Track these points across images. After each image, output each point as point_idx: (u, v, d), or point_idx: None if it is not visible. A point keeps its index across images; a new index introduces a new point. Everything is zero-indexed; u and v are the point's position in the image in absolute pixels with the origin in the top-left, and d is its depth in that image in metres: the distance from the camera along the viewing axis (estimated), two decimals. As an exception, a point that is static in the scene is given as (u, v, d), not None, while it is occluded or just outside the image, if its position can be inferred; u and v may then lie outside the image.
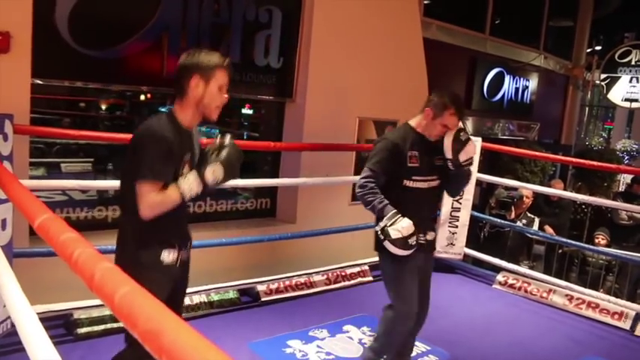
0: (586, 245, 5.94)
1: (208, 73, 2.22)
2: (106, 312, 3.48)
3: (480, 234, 7.32)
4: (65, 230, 1.37)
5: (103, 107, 6.42)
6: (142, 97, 6.87)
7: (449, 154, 2.96)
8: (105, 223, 4.35)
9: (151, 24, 4.26)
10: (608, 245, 6.34)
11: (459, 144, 2.94)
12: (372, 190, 2.90)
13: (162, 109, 7.10)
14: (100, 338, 3.43)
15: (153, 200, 2.11)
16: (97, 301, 3.48)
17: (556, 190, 6.40)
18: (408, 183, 2.97)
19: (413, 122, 3.07)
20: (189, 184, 2.15)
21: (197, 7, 4.49)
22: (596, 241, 6.42)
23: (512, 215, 6.31)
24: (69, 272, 1.39)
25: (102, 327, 3.48)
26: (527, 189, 6.10)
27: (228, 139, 2.27)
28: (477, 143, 5.19)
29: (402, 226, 2.77)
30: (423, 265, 3.09)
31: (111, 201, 4.43)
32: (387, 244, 2.81)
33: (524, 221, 6.23)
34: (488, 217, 6.07)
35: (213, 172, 2.17)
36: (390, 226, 2.78)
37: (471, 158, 3.03)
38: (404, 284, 2.99)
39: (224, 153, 2.20)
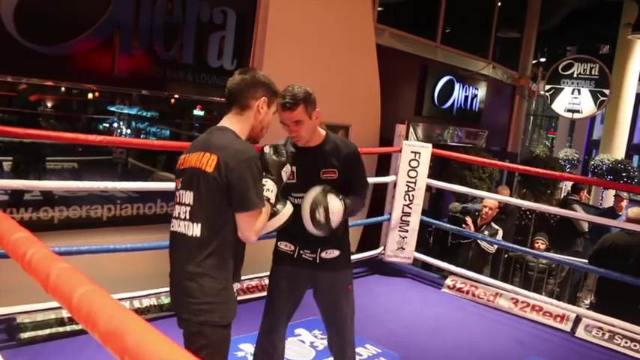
0: (531, 250, 6.09)
1: (273, 98, 2.32)
2: (52, 316, 3.38)
3: (430, 239, 7.44)
4: (17, 230, 1.33)
5: (49, 105, 6.22)
6: (90, 96, 6.67)
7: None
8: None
9: (103, 21, 4.18)
10: (547, 250, 6.53)
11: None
12: None
13: (112, 108, 6.92)
14: (45, 343, 3.32)
15: (262, 224, 2.15)
16: (42, 305, 3.38)
17: (503, 197, 6.56)
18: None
19: None
20: (272, 191, 2.24)
21: (150, 6, 4.43)
22: (536, 245, 6.51)
23: (472, 228, 6.19)
24: (12, 274, 1.34)
25: (47, 331, 3.37)
26: (479, 196, 6.21)
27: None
28: (427, 149, 5.34)
29: None
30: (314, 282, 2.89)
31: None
32: None
33: (486, 232, 6.06)
34: (437, 222, 6.15)
35: (286, 172, 2.33)
36: None
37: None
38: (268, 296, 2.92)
39: (283, 151, 2.36)
